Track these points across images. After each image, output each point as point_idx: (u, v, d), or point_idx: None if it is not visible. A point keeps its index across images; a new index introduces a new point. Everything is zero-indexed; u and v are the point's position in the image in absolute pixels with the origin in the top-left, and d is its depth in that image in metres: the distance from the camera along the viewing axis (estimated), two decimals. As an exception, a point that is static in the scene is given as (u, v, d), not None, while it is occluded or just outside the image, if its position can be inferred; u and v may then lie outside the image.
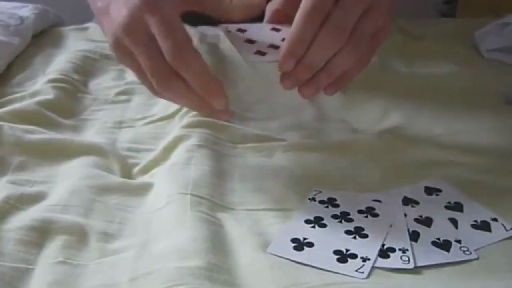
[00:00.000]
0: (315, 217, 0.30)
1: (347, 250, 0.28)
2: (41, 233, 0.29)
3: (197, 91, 0.34)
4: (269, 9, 0.37)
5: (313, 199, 0.32)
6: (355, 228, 0.29)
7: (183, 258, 0.27)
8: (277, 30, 0.36)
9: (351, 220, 0.30)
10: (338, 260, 0.27)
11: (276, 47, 0.35)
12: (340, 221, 0.30)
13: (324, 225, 0.30)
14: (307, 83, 0.34)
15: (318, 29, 0.32)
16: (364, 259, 0.27)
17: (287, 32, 0.34)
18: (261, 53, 0.35)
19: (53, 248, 0.28)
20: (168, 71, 0.34)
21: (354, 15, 0.33)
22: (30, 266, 0.27)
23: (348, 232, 0.29)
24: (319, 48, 0.32)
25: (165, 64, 0.33)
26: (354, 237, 0.29)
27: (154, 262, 0.27)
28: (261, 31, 0.36)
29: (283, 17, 0.37)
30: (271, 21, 0.37)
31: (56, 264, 0.27)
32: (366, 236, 0.29)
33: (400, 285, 0.26)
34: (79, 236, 0.29)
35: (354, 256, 0.27)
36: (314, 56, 0.33)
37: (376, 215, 0.30)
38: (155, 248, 0.28)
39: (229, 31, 0.37)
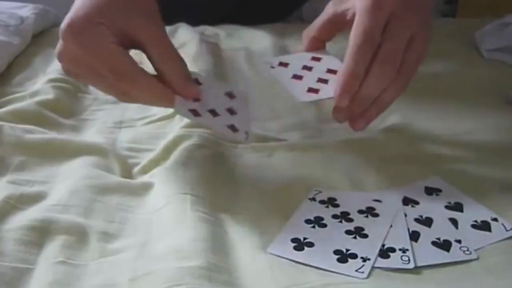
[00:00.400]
0: (315, 217, 0.30)
1: (347, 250, 0.28)
2: (41, 233, 0.29)
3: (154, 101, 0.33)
4: (305, 37, 0.37)
5: (313, 199, 0.32)
6: (355, 228, 0.29)
7: (183, 258, 0.27)
8: (318, 59, 0.35)
9: (351, 220, 0.30)
10: (338, 260, 0.27)
11: (325, 81, 0.35)
12: (340, 221, 0.30)
13: (324, 225, 0.30)
14: (359, 116, 0.34)
15: (370, 62, 0.33)
16: (364, 259, 0.27)
17: (328, 61, 0.35)
18: (313, 90, 0.34)
19: (53, 248, 0.28)
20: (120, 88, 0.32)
21: (403, 45, 0.33)
22: (30, 266, 0.27)
23: (348, 232, 0.29)
24: (373, 82, 0.33)
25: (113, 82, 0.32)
26: (354, 237, 0.29)
27: (154, 262, 0.27)
28: (303, 62, 0.36)
29: (320, 44, 0.37)
30: (308, 48, 0.37)
31: (56, 264, 0.27)
32: (366, 236, 0.29)
33: (400, 285, 0.26)
34: (79, 236, 0.29)
35: (354, 256, 0.27)
36: (368, 90, 0.33)
37: (376, 215, 0.30)
38: (155, 248, 0.28)
39: (273, 67, 0.36)
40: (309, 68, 0.36)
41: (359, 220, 0.30)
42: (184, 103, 0.32)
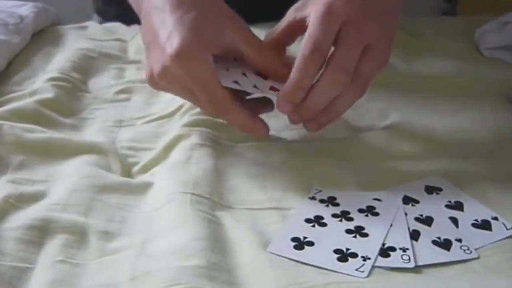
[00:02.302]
0: (315, 216, 0.30)
1: (347, 249, 0.28)
2: (41, 232, 0.29)
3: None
4: (266, 39, 0.38)
5: (313, 198, 0.32)
6: (356, 227, 0.29)
7: (183, 257, 0.27)
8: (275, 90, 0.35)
9: (351, 219, 0.30)
10: (339, 259, 0.27)
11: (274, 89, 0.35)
12: (341, 220, 0.30)
13: (324, 224, 0.30)
14: (309, 120, 0.35)
15: (317, 73, 0.32)
16: (365, 258, 0.27)
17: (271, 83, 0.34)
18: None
19: (53, 247, 0.28)
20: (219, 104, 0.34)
21: (355, 54, 0.33)
22: (30, 265, 0.27)
23: (348, 231, 0.29)
24: (321, 91, 0.33)
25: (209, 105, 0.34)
26: (355, 236, 0.29)
27: (154, 261, 0.27)
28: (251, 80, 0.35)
29: (279, 47, 0.37)
30: (268, 46, 0.37)
31: (56, 263, 0.27)
32: (366, 235, 0.29)
33: (401, 284, 0.26)
34: (79, 235, 0.29)
35: (354, 255, 0.27)
36: (316, 99, 0.33)
37: (377, 214, 0.30)
38: (155, 247, 0.28)
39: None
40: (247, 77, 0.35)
41: (359, 219, 0.30)
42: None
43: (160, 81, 0.34)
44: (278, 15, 0.67)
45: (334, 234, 0.29)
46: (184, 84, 0.33)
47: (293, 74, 0.32)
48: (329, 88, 0.33)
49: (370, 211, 0.31)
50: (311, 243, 0.28)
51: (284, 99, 0.33)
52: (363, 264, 0.27)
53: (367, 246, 0.28)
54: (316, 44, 0.32)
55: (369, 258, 0.27)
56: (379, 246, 0.28)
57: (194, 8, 0.33)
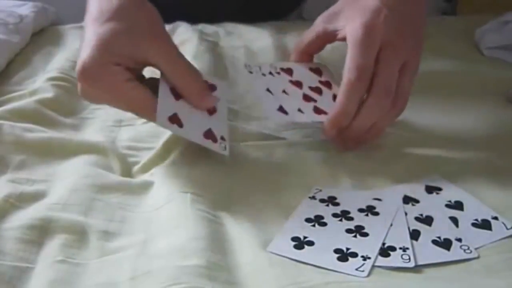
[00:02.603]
0: (316, 216, 0.30)
1: (347, 249, 0.28)
2: (41, 232, 0.29)
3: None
4: (295, 49, 0.38)
5: (314, 197, 0.32)
6: (356, 226, 0.29)
7: (183, 257, 0.27)
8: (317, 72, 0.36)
9: (351, 219, 0.30)
10: (339, 259, 0.27)
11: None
12: (341, 220, 0.30)
13: (324, 224, 0.30)
14: (356, 140, 0.35)
15: (363, 97, 0.33)
16: (365, 258, 0.27)
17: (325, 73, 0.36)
18: (283, 111, 0.35)
19: (53, 247, 0.28)
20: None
21: (396, 74, 0.33)
22: (30, 265, 0.27)
23: (348, 230, 0.29)
24: (367, 115, 0.33)
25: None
26: (355, 236, 0.29)
27: (154, 261, 0.27)
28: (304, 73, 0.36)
29: (308, 57, 0.38)
30: (296, 60, 0.38)
31: (56, 263, 0.27)
32: (366, 234, 0.29)
33: (401, 284, 0.26)
34: (79, 235, 0.29)
35: (354, 255, 0.27)
36: (361, 123, 0.34)
37: (377, 213, 0.30)
38: (155, 247, 0.28)
39: (251, 72, 0.37)
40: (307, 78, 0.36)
41: (360, 219, 0.30)
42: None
43: (89, 101, 0.35)
44: (277, 15, 0.67)
45: (334, 233, 0.29)
46: (106, 99, 0.33)
47: (340, 99, 0.33)
48: (374, 112, 0.33)
49: (370, 210, 0.31)
50: (311, 243, 0.28)
51: (331, 125, 0.33)
52: (363, 264, 0.27)
53: (367, 246, 0.28)
54: (361, 69, 0.33)
55: (369, 258, 0.27)
56: (379, 245, 0.28)
57: (114, 19, 0.32)
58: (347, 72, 0.33)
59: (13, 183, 0.33)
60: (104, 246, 0.28)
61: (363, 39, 0.33)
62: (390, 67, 0.33)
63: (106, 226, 0.30)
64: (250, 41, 0.56)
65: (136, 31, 0.32)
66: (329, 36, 0.36)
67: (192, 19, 0.61)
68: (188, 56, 0.51)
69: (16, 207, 0.31)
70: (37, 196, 0.32)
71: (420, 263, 0.27)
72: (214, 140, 0.33)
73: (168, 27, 0.60)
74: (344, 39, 0.35)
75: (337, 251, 0.27)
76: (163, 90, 0.33)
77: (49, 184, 0.33)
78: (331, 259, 0.27)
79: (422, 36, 0.36)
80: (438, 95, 0.44)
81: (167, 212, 0.30)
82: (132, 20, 0.33)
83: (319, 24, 0.37)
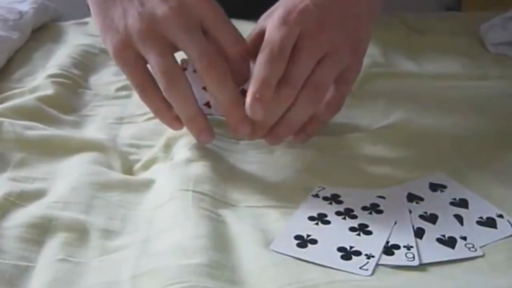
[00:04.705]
0: (319, 214, 0.30)
1: (351, 247, 0.27)
2: (41, 230, 0.28)
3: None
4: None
5: (317, 195, 0.32)
6: (359, 225, 0.29)
7: (185, 255, 0.26)
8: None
9: (355, 217, 0.30)
10: (342, 257, 0.27)
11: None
12: (344, 218, 0.30)
13: (328, 222, 0.29)
14: (269, 133, 0.34)
15: (279, 74, 0.32)
16: (369, 256, 0.27)
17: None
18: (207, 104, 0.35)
19: (54, 246, 0.27)
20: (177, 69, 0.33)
21: (307, 70, 0.32)
22: (30, 264, 0.27)
23: (352, 229, 0.29)
24: (275, 104, 0.32)
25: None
26: (358, 234, 0.28)
27: (156, 259, 0.27)
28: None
29: (250, 57, 0.36)
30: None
31: (57, 261, 0.27)
32: (370, 233, 0.28)
33: (405, 282, 0.25)
34: (80, 233, 0.28)
35: (358, 253, 0.27)
36: (270, 112, 0.32)
37: (381, 211, 0.30)
38: (157, 245, 0.28)
39: (185, 69, 0.36)
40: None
41: (363, 217, 0.30)
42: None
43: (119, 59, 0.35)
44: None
45: (338, 232, 0.29)
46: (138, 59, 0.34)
47: (257, 73, 0.32)
48: (280, 102, 0.32)
49: (373, 208, 0.30)
50: (314, 241, 0.28)
51: (254, 98, 0.31)
52: (367, 262, 0.26)
53: (371, 244, 0.28)
54: (275, 43, 0.32)
55: (373, 256, 0.27)
56: (383, 244, 0.27)
57: None
58: (261, 50, 0.32)
59: (14, 181, 0.33)
60: (105, 244, 0.28)
61: (278, 23, 0.32)
62: (300, 60, 0.32)
63: (107, 225, 0.30)
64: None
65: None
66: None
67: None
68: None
69: (17, 205, 0.30)
70: (37, 194, 0.32)
71: (424, 261, 0.27)
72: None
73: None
74: None
75: (340, 249, 0.27)
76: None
77: (49, 182, 0.33)
78: (335, 258, 0.27)
79: (359, 26, 0.34)
80: (442, 92, 0.44)
81: (168, 210, 0.30)
82: None
83: (258, 23, 0.37)
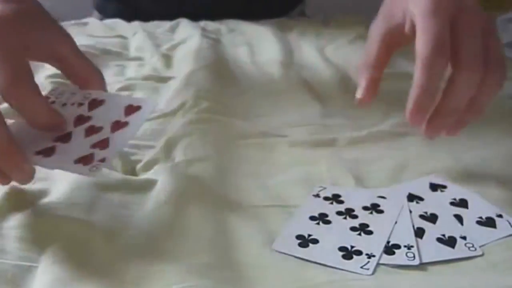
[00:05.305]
0: (320, 214, 0.30)
1: (352, 247, 0.27)
2: (43, 231, 0.28)
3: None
4: (363, 69, 0.33)
5: (318, 195, 0.32)
6: (360, 224, 0.29)
7: (187, 256, 0.26)
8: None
9: (355, 217, 0.30)
10: (343, 256, 0.27)
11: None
12: (345, 218, 0.30)
13: (328, 222, 0.30)
14: (449, 124, 0.31)
15: (444, 71, 0.29)
16: (369, 256, 0.27)
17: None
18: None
19: (56, 246, 0.27)
20: None
21: (480, 40, 0.29)
22: (33, 264, 0.27)
23: (353, 228, 0.29)
24: (460, 91, 0.29)
25: None
26: (359, 234, 0.28)
27: (158, 260, 0.27)
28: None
29: (380, 74, 0.33)
30: (369, 79, 0.32)
31: (59, 262, 0.26)
32: (371, 232, 0.29)
33: (405, 282, 0.26)
34: (81, 233, 0.28)
35: (359, 252, 0.27)
36: (456, 101, 0.29)
37: (381, 211, 0.30)
38: (159, 245, 0.28)
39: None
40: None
41: (364, 217, 0.30)
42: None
43: None
44: (279, 12, 0.67)
45: (339, 231, 0.29)
46: None
47: (418, 78, 0.28)
48: (467, 86, 0.29)
49: (374, 208, 0.31)
50: (315, 241, 0.28)
51: (415, 110, 0.29)
52: (368, 262, 0.26)
53: (372, 244, 0.28)
54: (438, 40, 0.28)
55: (373, 256, 0.27)
56: (383, 243, 0.28)
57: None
58: (421, 47, 0.28)
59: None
60: (107, 245, 0.28)
61: (432, 8, 0.28)
62: (471, 32, 0.29)
63: (109, 225, 0.30)
64: (253, 38, 0.56)
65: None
66: (396, 35, 0.32)
67: (194, 17, 0.61)
68: (190, 54, 0.51)
69: (18, 206, 0.30)
70: (39, 195, 0.32)
71: (424, 261, 0.27)
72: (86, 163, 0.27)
73: (169, 24, 0.61)
74: (412, 28, 0.30)
75: (341, 249, 0.27)
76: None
77: (51, 183, 0.33)
78: (336, 257, 0.27)
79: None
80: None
81: (170, 210, 0.30)
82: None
83: (378, 28, 0.33)
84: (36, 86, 0.29)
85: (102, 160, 0.27)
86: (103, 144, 0.28)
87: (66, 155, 0.28)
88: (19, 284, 0.25)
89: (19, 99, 0.28)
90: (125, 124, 0.28)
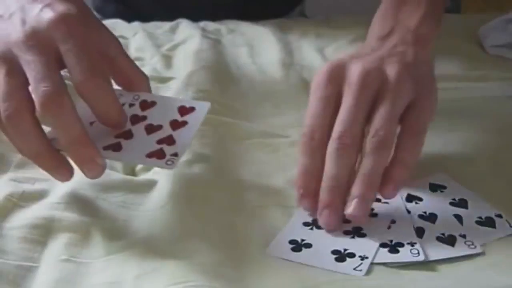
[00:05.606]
0: (314, 220, 0.30)
1: (345, 250, 0.27)
2: (44, 231, 0.28)
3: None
4: None
5: None
6: (354, 228, 0.29)
7: (188, 255, 0.26)
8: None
9: (348, 221, 0.29)
10: (336, 259, 0.27)
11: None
12: None
13: (322, 227, 0.29)
14: (383, 184, 0.29)
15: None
16: (362, 258, 0.27)
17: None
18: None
19: (57, 246, 0.28)
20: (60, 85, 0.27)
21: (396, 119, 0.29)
22: (34, 264, 0.27)
23: (346, 232, 0.29)
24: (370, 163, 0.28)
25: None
26: (353, 237, 0.28)
27: (159, 259, 0.27)
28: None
29: None
30: None
31: (61, 262, 0.27)
32: (364, 235, 0.28)
33: (405, 281, 0.26)
34: (83, 233, 0.29)
35: (352, 255, 0.27)
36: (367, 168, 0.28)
37: (375, 215, 0.30)
38: (160, 245, 0.28)
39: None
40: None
41: None
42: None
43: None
44: (279, 13, 0.67)
45: (332, 236, 0.29)
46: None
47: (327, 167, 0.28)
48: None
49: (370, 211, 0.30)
50: (309, 245, 0.28)
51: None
52: (361, 263, 0.26)
53: (365, 246, 0.28)
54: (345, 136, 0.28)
55: (366, 257, 0.27)
56: (377, 245, 0.28)
57: None
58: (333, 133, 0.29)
59: (15, 181, 0.32)
60: (108, 245, 0.28)
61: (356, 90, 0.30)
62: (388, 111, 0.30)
63: (110, 225, 0.30)
64: (253, 39, 0.56)
65: None
66: None
67: (194, 17, 0.61)
68: (190, 54, 0.51)
69: (19, 206, 0.30)
70: (39, 195, 0.32)
71: (428, 258, 0.27)
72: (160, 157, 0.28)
73: (169, 24, 0.61)
74: None
75: (334, 252, 0.27)
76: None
77: (51, 183, 0.33)
78: (329, 260, 0.27)
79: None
80: (442, 93, 0.44)
81: (171, 210, 0.30)
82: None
83: None
84: (110, 82, 0.29)
85: (175, 155, 0.28)
86: (169, 140, 0.29)
87: (135, 150, 0.29)
88: (21, 284, 0.26)
89: (95, 94, 0.28)
90: (184, 123, 0.29)
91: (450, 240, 0.28)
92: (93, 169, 0.28)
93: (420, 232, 0.29)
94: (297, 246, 0.28)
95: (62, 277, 0.26)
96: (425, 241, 0.28)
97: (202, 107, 0.30)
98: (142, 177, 0.35)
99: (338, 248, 0.28)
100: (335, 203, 0.29)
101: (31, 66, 0.28)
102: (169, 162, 0.28)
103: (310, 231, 0.29)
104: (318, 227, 0.29)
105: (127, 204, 0.32)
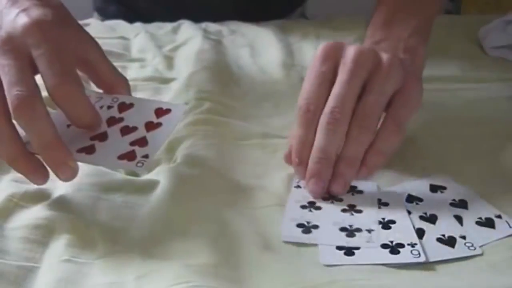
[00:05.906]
0: (309, 202, 0.31)
1: (350, 226, 0.29)
2: (46, 231, 0.29)
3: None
4: None
5: (299, 186, 0.33)
6: (348, 205, 0.30)
7: (188, 255, 0.27)
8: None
9: (341, 200, 0.31)
10: (347, 235, 0.28)
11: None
12: (332, 202, 0.31)
13: (319, 208, 0.30)
14: (332, 180, 0.31)
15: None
16: (369, 231, 0.28)
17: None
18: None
19: (58, 247, 0.28)
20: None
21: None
22: (35, 265, 0.27)
23: (343, 210, 0.30)
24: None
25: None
26: (351, 214, 0.30)
27: (160, 259, 0.27)
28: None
29: None
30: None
31: (62, 262, 0.27)
32: (360, 211, 0.30)
33: (405, 281, 0.26)
34: (84, 234, 0.29)
35: (359, 230, 0.28)
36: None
37: (360, 191, 0.32)
38: (161, 245, 0.28)
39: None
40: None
41: (348, 199, 0.31)
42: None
43: None
44: (280, 14, 0.67)
45: (332, 214, 0.30)
46: None
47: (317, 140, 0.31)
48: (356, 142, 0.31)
49: (353, 190, 0.32)
50: (316, 226, 0.29)
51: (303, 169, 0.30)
52: (371, 236, 0.28)
53: (366, 220, 0.29)
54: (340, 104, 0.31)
55: (373, 230, 0.28)
56: (377, 219, 0.29)
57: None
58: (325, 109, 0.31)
59: (16, 182, 0.33)
60: (109, 245, 0.28)
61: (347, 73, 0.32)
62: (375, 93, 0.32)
63: (111, 225, 0.30)
64: (254, 40, 0.56)
65: None
66: None
67: (195, 18, 0.61)
68: (191, 55, 0.51)
69: (20, 207, 0.31)
70: (41, 195, 0.32)
71: (428, 260, 0.27)
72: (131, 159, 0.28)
73: (171, 25, 0.61)
74: None
75: (342, 229, 0.29)
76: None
77: (52, 183, 0.33)
78: (341, 237, 0.28)
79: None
80: (441, 95, 0.44)
81: (172, 210, 0.30)
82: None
83: None
84: (82, 86, 0.30)
85: (146, 157, 0.28)
86: (142, 142, 0.29)
87: (108, 152, 0.29)
88: (22, 285, 0.26)
89: (67, 98, 0.29)
90: (159, 124, 0.30)
91: (450, 242, 0.28)
92: (66, 172, 0.29)
93: (420, 233, 0.29)
94: (306, 228, 0.29)
95: (63, 277, 0.26)
96: (425, 242, 0.28)
97: (178, 109, 0.30)
98: (143, 177, 0.35)
99: (344, 226, 0.29)
100: (321, 173, 0.31)
101: (5, 70, 0.28)
102: (139, 164, 0.28)
103: (310, 212, 0.30)
104: (316, 208, 0.30)
105: (128, 204, 0.32)
